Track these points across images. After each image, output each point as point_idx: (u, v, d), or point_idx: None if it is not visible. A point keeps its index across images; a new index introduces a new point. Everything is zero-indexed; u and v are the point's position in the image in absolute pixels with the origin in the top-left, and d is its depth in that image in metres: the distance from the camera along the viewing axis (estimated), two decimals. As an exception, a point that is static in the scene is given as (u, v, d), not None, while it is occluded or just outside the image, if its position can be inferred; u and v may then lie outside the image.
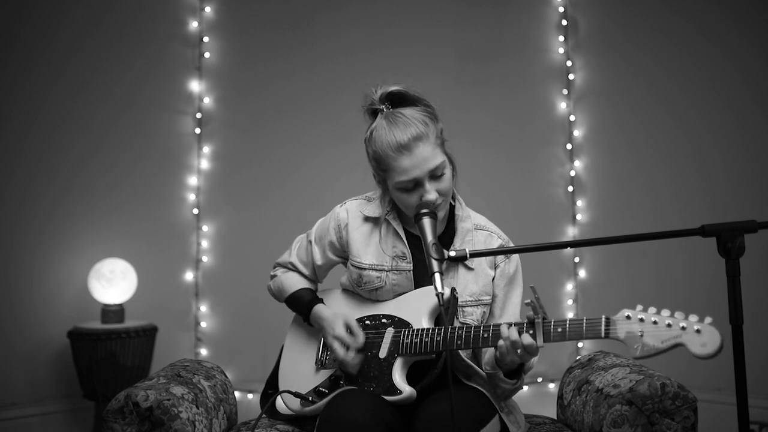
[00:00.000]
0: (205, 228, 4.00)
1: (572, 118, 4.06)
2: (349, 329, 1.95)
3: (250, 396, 3.80)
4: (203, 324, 3.98)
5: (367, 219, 2.03)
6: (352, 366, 1.91)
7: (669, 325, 1.55)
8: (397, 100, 1.95)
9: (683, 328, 1.53)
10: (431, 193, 1.85)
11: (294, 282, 2.11)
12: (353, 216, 2.03)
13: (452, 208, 2.02)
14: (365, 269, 1.98)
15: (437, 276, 1.69)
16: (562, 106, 4.07)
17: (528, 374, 1.91)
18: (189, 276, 3.98)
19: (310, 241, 2.11)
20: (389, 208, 2.01)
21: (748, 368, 1.50)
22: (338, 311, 2.01)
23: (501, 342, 1.73)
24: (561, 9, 4.07)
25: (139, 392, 1.80)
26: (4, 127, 3.68)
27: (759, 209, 3.50)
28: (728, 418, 3.28)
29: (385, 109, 1.94)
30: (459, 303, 1.93)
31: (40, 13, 3.74)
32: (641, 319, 1.58)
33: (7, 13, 3.67)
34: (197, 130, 4.00)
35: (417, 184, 1.87)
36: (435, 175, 1.86)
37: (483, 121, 3.99)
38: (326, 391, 1.94)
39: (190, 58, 4.01)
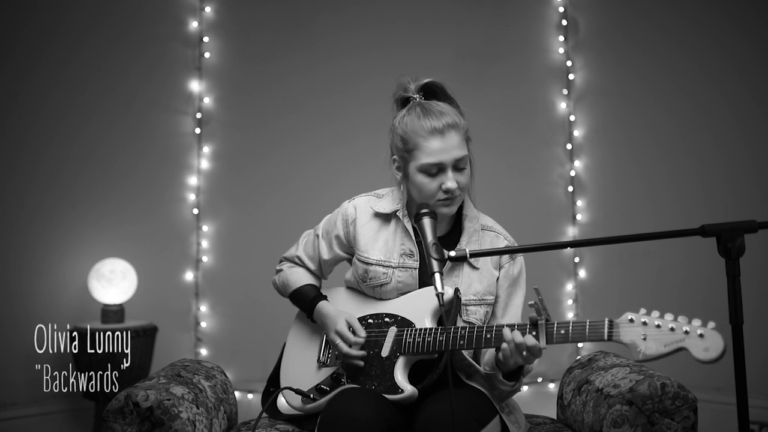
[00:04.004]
0: (205, 228, 4.00)
1: (572, 118, 4.06)
2: (350, 327, 1.96)
3: (250, 396, 3.80)
4: (203, 324, 3.97)
5: (376, 215, 2.03)
6: (355, 361, 1.92)
7: (672, 329, 1.55)
8: (431, 94, 2.00)
9: (686, 333, 1.53)
10: (452, 181, 1.88)
11: (299, 277, 2.12)
12: (362, 212, 2.04)
13: (461, 207, 2.03)
14: (372, 264, 1.98)
15: (437, 276, 1.69)
16: (562, 106, 4.07)
17: (527, 375, 1.92)
18: (189, 276, 3.98)
19: (318, 235, 2.12)
20: (400, 206, 2.02)
21: (748, 368, 1.50)
22: (341, 309, 2.01)
23: (504, 345, 1.74)
24: (561, 9, 4.07)
25: (139, 392, 1.80)
26: (4, 127, 3.68)
27: (759, 209, 3.50)
28: (728, 418, 3.27)
29: (418, 98, 1.98)
30: (463, 302, 1.93)
31: (40, 14, 3.74)
32: (644, 323, 1.58)
33: (7, 13, 3.67)
34: (197, 130, 4.00)
35: (440, 171, 1.89)
36: (458, 167, 1.91)
37: (483, 122, 3.97)
38: (328, 389, 1.95)
39: (190, 58, 4.01)
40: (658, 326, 1.56)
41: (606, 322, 1.63)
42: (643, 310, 1.60)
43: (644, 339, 1.57)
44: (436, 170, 1.89)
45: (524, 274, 2.04)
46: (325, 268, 2.13)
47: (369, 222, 2.03)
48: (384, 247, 1.99)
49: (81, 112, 3.82)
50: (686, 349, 1.53)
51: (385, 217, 2.03)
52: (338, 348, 1.94)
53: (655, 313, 1.58)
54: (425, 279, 1.96)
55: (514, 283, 2.01)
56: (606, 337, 1.63)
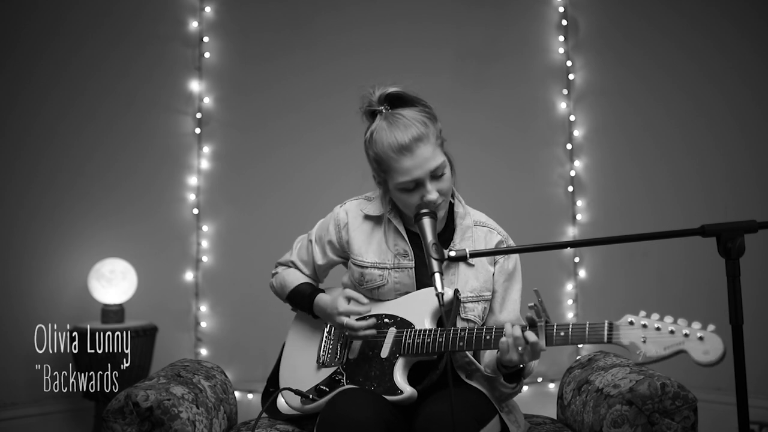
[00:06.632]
0: (205, 228, 4.00)
1: (572, 118, 4.06)
2: (350, 301, 1.97)
3: (250, 396, 3.80)
4: (203, 324, 3.98)
5: (367, 218, 2.03)
6: (369, 333, 1.92)
7: (672, 332, 1.55)
8: (396, 101, 1.95)
9: (686, 335, 1.53)
10: (432, 193, 1.86)
11: (296, 277, 2.12)
12: (353, 216, 2.04)
13: (451, 205, 2.02)
14: (367, 267, 1.98)
15: (437, 276, 1.69)
16: (562, 106, 4.07)
17: (527, 377, 1.91)
18: (189, 276, 3.98)
19: (311, 241, 2.11)
20: (390, 207, 2.02)
21: (748, 368, 1.50)
22: (335, 292, 2.02)
23: (503, 339, 1.73)
24: (561, 9, 4.07)
25: (139, 392, 1.80)
26: (4, 127, 3.68)
27: (759, 209, 3.50)
28: (728, 418, 3.27)
29: (384, 111, 1.94)
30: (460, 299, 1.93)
31: (40, 14, 3.74)
32: (644, 325, 1.58)
33: (7, 13, 3.67)
34: (197, 130, 4.00)
35: (418, 185, 1.87)
36: (436, 175, 1.87)
37: (483, 122, 3.99)
38: (327, 389, 1.95)
39: (190, 58, 4.01)
40: (658, 329, 1.56)
41: (606, 324, 1.63)
42: (642, 313, 1.60)
43: (644, 342, 1.57)
44: (414, 185, 1.87)
45: (519, 268, 2.04)
46: (319, 272, 2.13)
47: (361, 225, 2.03)
48: (378, 249, 1.99)
49: (81, 112, 3.82)
50: (686, 352, 1.53)
51: (376, 220, 2.02)
52: (349, 327, 1.92)
53: (655, 316, 1.58)
54: (422, 278, 1.96)
55: (510, 278, 2.01)
56: (606, 340, 1.62)
